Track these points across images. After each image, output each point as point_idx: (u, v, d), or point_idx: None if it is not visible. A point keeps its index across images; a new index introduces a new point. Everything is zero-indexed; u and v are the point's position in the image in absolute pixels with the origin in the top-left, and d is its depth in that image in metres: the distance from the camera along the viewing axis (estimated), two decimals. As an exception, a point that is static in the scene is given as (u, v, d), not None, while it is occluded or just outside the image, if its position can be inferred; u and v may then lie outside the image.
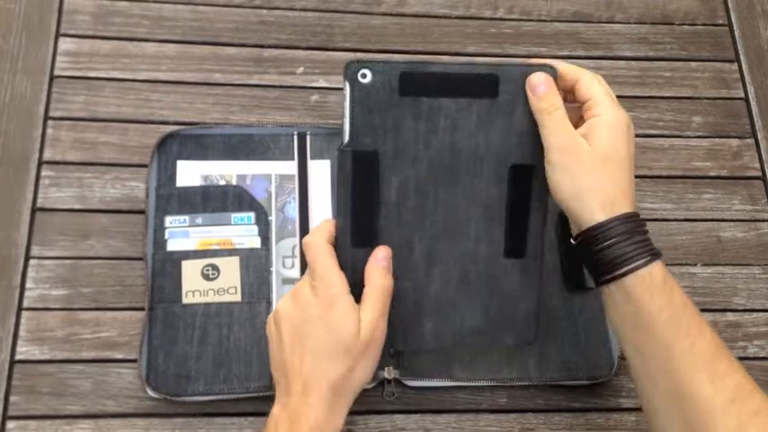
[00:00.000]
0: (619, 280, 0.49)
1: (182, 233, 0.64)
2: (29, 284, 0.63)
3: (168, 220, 0.64)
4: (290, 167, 0.67)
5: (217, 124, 0.69)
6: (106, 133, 0.68)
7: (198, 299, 0.62)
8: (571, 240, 0.52)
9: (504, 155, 0.53)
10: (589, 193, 0.49)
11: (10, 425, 0.58)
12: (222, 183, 0.66)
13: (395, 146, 0.52)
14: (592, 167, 0.49)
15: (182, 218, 0.64)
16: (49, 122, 0.68)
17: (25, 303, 0.62)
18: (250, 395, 0.60)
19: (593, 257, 0.49)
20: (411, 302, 0.55)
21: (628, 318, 0.50)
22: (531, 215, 0.55)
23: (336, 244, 0.52)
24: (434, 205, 0.53)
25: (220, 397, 0.60)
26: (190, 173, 0.66)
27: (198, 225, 0.64)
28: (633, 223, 0.49)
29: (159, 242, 0.63)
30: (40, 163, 0.67)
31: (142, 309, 0.62)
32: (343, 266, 0.52)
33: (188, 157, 0.66)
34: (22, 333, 0.61)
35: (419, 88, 0.51)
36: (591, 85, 0.52)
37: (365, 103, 0.51)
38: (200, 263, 0.63)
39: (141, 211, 0.65)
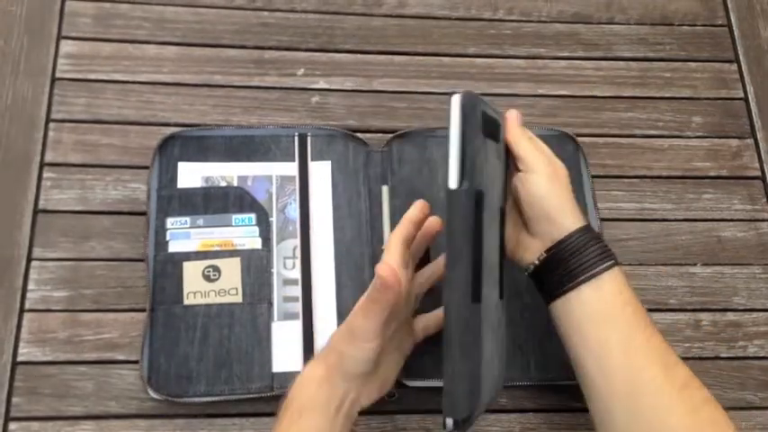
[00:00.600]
0: (590, 280, 0.53)
1: (183, 234, 0.64)
2: (31, 286, 0.63)
3: (170, 221, 0.64)
4: (291, 168, 0.67)
5: (218, 126, 0.69)
6: (108, 135, 0.68)
7: (199, 300, 0.62)
8: (534, 261, 0.56)
9: (499, 198, 0.54)
10: (557, 210, 0.55)
11: (12, 426, 0.59)
12: (223, 184, 0.66)
13: (485, 191, 0.48)
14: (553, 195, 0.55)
15: (183, 219, 0.65)
16: (51, 124, 0.68)
17: (27, 305, 0.62)
18: (251, 396, 0.60)
19: (562, 267, 0.54)
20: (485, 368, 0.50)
21: (593, 316, 0.53)
22: (503, 256, 0.56)
23: (451, 298, 0.46)
24: (487, 254, 0.50)
25: (222, 398, 0.60)
26: (191, 174, 0.66)
27: (199, 226, 0.65)
28: (583, 239, 0.54)
29: (161, 243, 0.64)
30: (42, 165, 0.67)
31: (143, 310, 0.62)
32: (464, 328, 0.46)
33: (189, 159, 0.67)
34: (23, 335, 0.61)
35: (487, 129, 0.49)
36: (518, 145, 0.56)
37: (472, 141, 0.46)
38: (202, 264, 0.63)
39: (142, 213, 0.65)
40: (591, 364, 0.53)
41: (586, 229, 0.55)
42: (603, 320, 0.53)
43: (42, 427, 0.59)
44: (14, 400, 0.59)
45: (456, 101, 0.46)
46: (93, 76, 0.71)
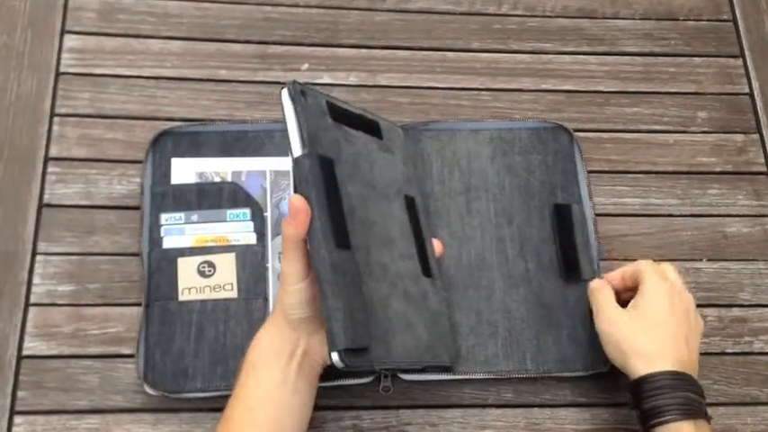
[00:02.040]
0: (652, 429, 0.55)
1: (177, 230, 0.64)
2: (36, 280, 0.63)
3: (164, 217, 0.64)
4: (285, 163, 0.67)
5: (211, 121, 0.69)
6: (112, 130, 0.68)
7: (194, 296, 0.62)
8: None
9: (397, 186, 0.59)
10: (632, 354, 0.57)
11: (17, 420, 0.59)
12: (217, 180, 0.66)
13: (338, 160, 0.53)
14: (632, 335, 0.58)
15: (177, 215, 0.64)
16: (55, 119, 0.68)
17: (32, 299, 0.62)
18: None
19: (639, 405, 0.56)
20: (381, 316, 0.53)
21: None
22: (426, 240, 0.60)
23: (314, 245, 0.50)
24: (374, 220, 0.55)
25: (219, 393, 0.60)
26: (184, 170, 0.66)
27: (193, 222, 0.64)
28: (671, 380, 0.55)
29: (155, 240, 0.64)
30: (47, 159, 0.67)
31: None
32: (329, 268, 0.49)
33: (182, 155, 0.66)
34: (29, 329, 0.61)
35: (342, 118, 0.56)
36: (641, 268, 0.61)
37: (309, 119, 0.52)
38: (196, 260, 0.63)
39: (146, 208, 0.66)
40: None
41: (683, 376, 0.55)
42: None
43: (47, 420, 0.59)
44: (20, 393, 0.59)
45: (284, 92, 0.52)
46: (97, 71, 0.70)
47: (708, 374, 0.65)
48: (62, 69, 0.70)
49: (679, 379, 0.55)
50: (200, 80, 0.71)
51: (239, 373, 0.54)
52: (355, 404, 0.62)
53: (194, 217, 0.65)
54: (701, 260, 0.70)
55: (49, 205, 0.65)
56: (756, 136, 0.76)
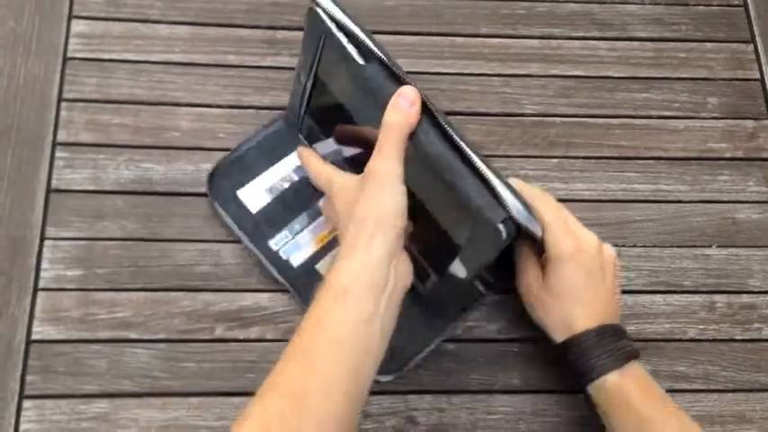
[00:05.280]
0: (584, 387, 0.56)
1: (294, 246, 0.64)
2: (44, 265, 0.63)
3: (273, 243, 0.64)
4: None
5: (237, 147, 0.67)
6: (119, 115, 0.68)
7: None
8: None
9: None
10: (552, 323, 0.57)
11: (27, 404, 0.59)
12: (287, 185, 0.66)
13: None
14: (549, 304, 0.57)
15: (283, 234, 0.65)
16: (63, 104, 0.68)
17: (41, 284, 0.62)
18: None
19: (571, 365, 0.57)
20: None
21: (600, 415, 0.56)
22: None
23: (429, 136, 0.50)
24: None
25: None
26: (255, 194, 0.66)
27: (300, 231, 0.65)
28: (593, 339, 0.55)
29: (283, 266, 0.63)
30: (54, 144, 0.67)
31: (156, 290, 0.63)
32: (470, 147, 0.50)
33: (242, 184, 0.66)
34: (37, 313, 0.61)
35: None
36: (541, 210, 0.55)
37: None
38: (331, 256, 0.64)
39: (155, 193, 0.66)
40: None
41: (595, 332, 0.55)
42: (605, 420, 0.56)
43: (56, 404, 0.59)
44: (29, 378, 0.60)
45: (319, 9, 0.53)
46: (104, 56, 0.70)
47: (716, 361, 0.65)
48: (69, 54, 0.70)
49: (599, 335, 0.55)
50: (208, 65, 0.71)
51: (322, 293, 0.48)
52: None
53: (297, 226, 0.65)
54: (710, 246, 0.69)
55: (57, 190, 0.65)
56: (767, 122, 0.75)
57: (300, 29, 0.73)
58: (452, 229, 0.53)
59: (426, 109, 0.50)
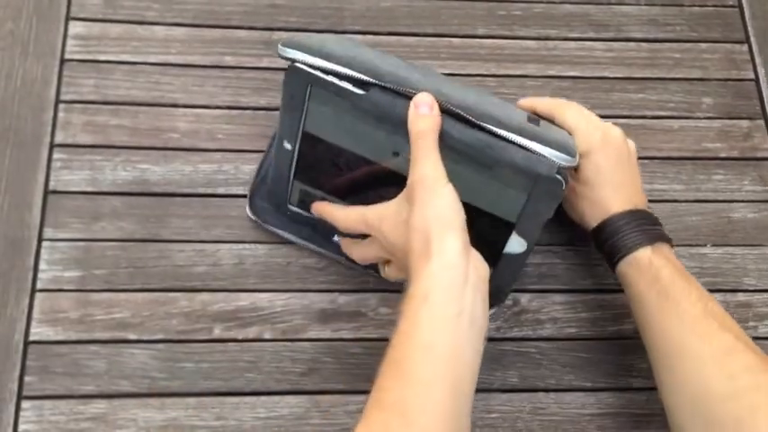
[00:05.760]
0: (616, 266, 0.59)
1: None
2: (42, 266, 0.63)
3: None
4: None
5: (259, 168, 0.67)
6: (117, 116, 0.68)
7: None
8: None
9: None
10: (589, 209, 0.61)
11: (25, 404, 0.59)
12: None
13: None
14: (586, 194, 0.61)
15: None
16: (61, 106, 0.68)
17: (39, 285, 0.62)
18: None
19: (605, 247, 0.60)
20: None
21: (629, 297, 0.59)
22: None
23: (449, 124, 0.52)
24: None
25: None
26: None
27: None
28: (626, 220, 0.59)
29: None
30: (52, 146, 0.67)
31: (155, 290, 0.63)
32: None
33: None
34: (35, 314, 0.62)
35: None
36: (562, 115, 0.61)
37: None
38: None
39: (152, 194, 0.66)
40: (642, 334, 0.58)
41: (629, 213, 0.59)
42: (633, 301, 0.58)
43: (55, 405, 0.59)
44: (27, 378, 0.60)
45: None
46: (102, 58, 0.70)
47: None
48: (67, 56, 0.70)
49: (632, 215, 0.59)
50: (206, 66, 0.71)
51: (405, 305, 0.47)
52: (365, 389, 0.62)
53: None
54: (705, 245, 0.70)
55: (54, 192, 0.65)
56: (761, 122, 0.75)
57: (297, 29, 0.74)
58: (500, 208, 0.55)
59: (441, 105, 0.52)
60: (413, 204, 0.49)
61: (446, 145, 0.51)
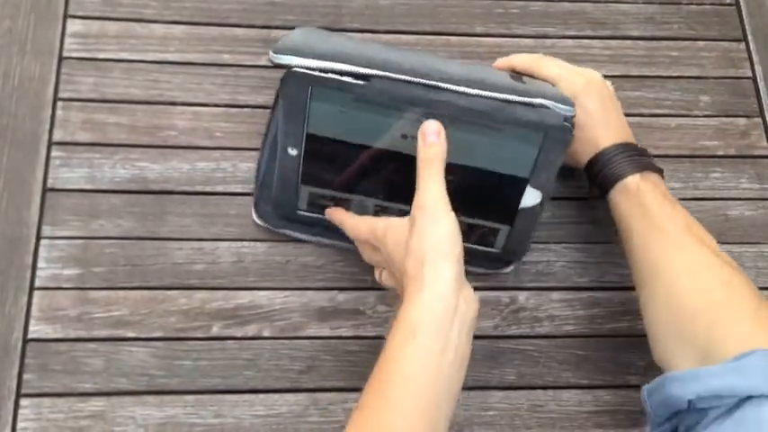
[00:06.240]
0: (608, 195, 0.61)
1: None
2: (41, 264, 0.63)
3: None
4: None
5: (257, 173, 0.67)
6: (115, 114, 0.68)
7: None
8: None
9: None
10: (581, 148, 0.63)
11: (24, 402, 0.59)
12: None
13: None
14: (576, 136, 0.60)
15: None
16: (59, 103, 0.68)
17: (37, 283, 0.62)
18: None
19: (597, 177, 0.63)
20: None
21: (617, 222, 0.61)
22: None
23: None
24: None
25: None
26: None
27: None
28: (611, 154, 0.61)
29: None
30: (50, 144, 0.67)
31: (153, 288, 0.63)
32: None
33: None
34: (34, 312, 0.62)
35: None
36: (541, 69, 0.64)
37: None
38: None
39: (150, 192, 0.66)
40: (626, 252, 0.60)
41: (619, 145, 0.61)
42: (620, 226, 0.61)
43: (54, 402, 0.59)
44: (26, 376, 0.60)
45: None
46: (100, 55, 0.70)
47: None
48: (65, 54, 0.70)
49: (622, 146, 0.61)
50: (204, 64, 0.71)
51: (394, 328, 0.48)
52: (363, 386, 0.62)
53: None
54: (703, 243, 0.70)
55: (53, 189, 0.66)
56: (759, 120, 0.76)
57: (295, 27, 0.74)
58: (513, 166, 0.58)
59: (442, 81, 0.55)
60: (413, 229, 0.50)
61: (455, 118, 0.54)
